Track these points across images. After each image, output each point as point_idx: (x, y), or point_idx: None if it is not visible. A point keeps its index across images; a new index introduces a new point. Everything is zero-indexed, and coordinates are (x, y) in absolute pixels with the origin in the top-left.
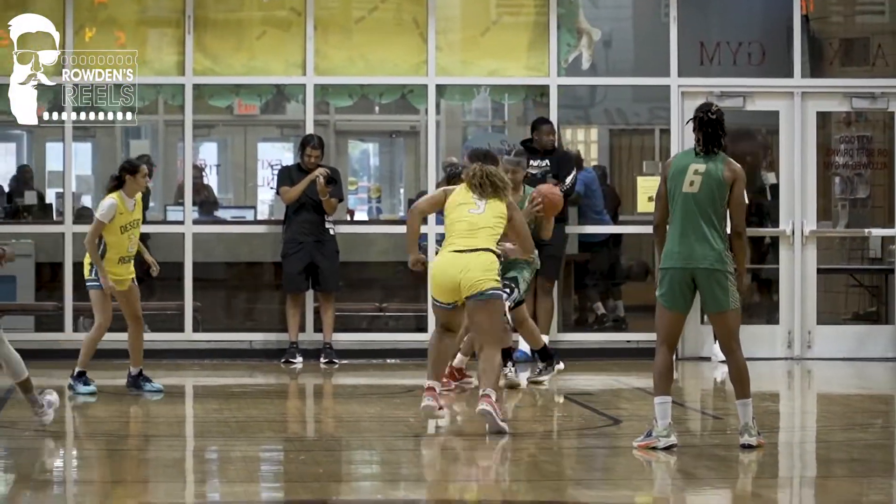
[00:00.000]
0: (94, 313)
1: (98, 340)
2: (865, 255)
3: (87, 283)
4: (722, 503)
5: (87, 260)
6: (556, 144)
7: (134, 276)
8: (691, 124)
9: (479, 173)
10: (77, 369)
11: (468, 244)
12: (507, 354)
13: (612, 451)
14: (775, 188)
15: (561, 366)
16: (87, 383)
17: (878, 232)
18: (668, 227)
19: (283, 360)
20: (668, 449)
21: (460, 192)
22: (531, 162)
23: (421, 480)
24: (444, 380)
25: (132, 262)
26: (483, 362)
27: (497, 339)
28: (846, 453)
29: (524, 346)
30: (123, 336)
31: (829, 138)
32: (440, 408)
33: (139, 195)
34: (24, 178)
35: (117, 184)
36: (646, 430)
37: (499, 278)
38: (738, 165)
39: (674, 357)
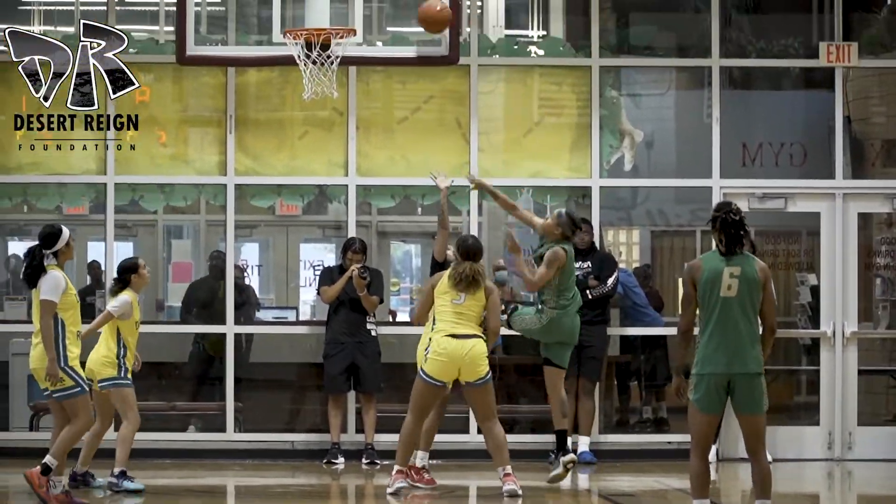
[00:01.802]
0: (123, 411)
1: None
2: None
3: (112, 383)
4: None
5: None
6: (595, 245)
7: None
8: (710, 226)
9: (469, 273)
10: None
11: (460, 330)
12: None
13: None
14: (816, 289)
15: (569, 457)
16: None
17: None
18: (699, 331)
19: (324, 461)
20: None
21: (444, 283)
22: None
23: None
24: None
25: None
26: (493, 440)
27: (495, 414)
28: None
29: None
30: (157, 436)
31: (871, 239)
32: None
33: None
34: (95, 274)
35: (123, 285)
36: None
37: (487, 363)
38: (764, 264)
39: (710, 458)
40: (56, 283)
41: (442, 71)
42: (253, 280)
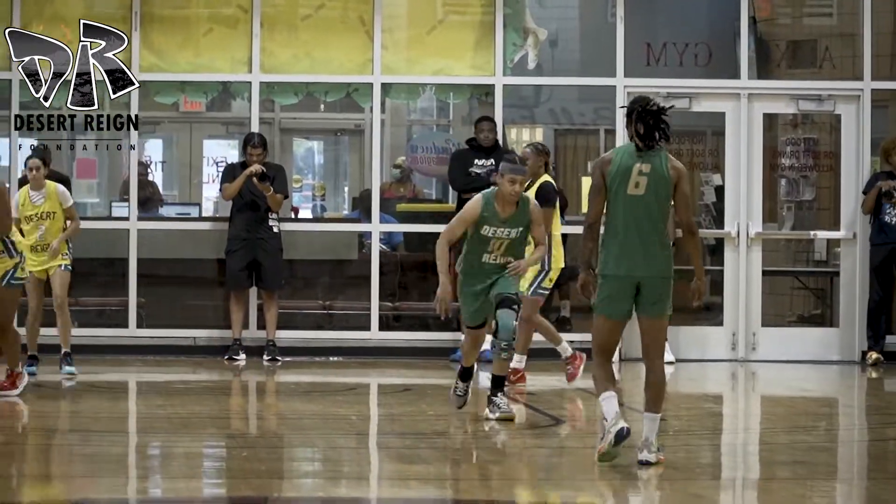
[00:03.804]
0: None
1: None
2: (811, 258)
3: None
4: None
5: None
6: (499, 142)
7: (59, 263)
8: (626, 120)
9: None
10: None
11: None
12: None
13: (554, 451)
14: (721, 190)
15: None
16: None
17: (823, 234)
18: (604, 230)
19: (226, 357)
20: (619, 438)
21: None
22: (476, 161)
23: (362, 478)
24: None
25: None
26: None
27: None
28: (789, 455)
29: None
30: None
31: (776, 140)
32: None
33: (52, 187)
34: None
35: (24, 179)
36: (599, 436)
37: None
38: (679, 163)
39: (612, 362)
40: None
41: None
42: (156, 176)
